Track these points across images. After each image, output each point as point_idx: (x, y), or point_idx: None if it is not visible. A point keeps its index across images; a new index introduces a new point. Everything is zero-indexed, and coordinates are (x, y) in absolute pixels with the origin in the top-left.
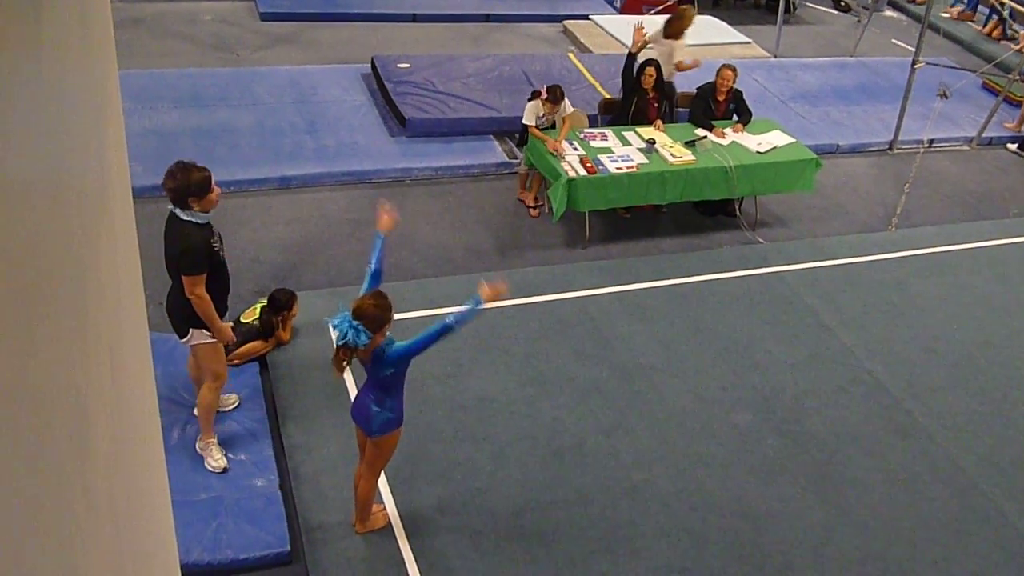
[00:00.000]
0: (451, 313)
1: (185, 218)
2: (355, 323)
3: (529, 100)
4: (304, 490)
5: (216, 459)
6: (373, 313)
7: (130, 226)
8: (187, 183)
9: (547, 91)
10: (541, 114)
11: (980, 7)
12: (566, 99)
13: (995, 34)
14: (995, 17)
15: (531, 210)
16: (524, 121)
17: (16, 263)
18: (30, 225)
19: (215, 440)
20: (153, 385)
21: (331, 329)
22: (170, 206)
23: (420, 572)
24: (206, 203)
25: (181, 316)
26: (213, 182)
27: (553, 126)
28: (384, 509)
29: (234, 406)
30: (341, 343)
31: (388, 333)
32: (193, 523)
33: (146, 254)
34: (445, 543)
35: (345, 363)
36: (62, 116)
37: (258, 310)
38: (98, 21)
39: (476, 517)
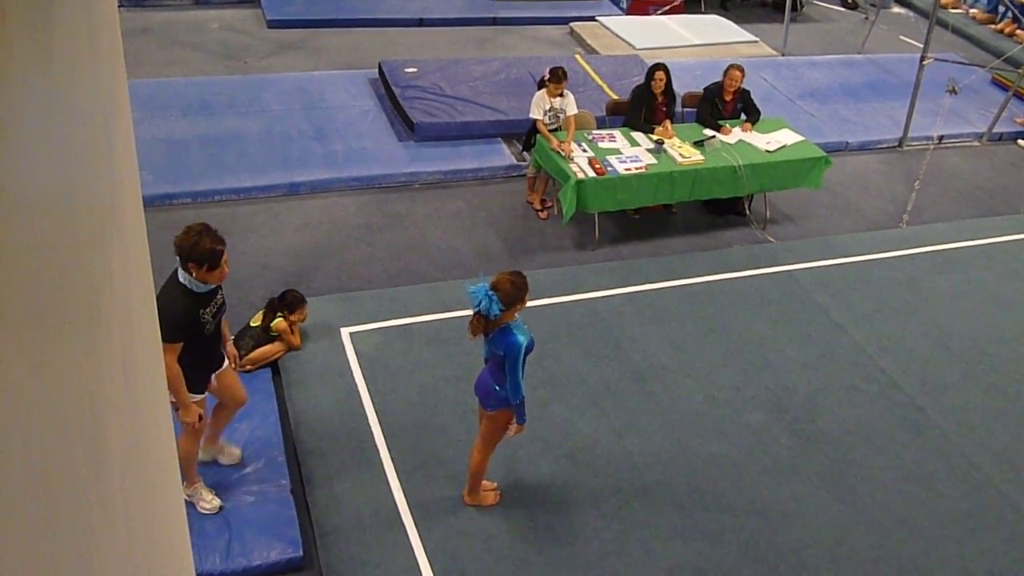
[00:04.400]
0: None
1: (181, 280)
2: (491, 293)
3: (537, 91)
4: (317, 495)
5: (208, 500)
6: (509, 288)
7: (141, 235)
8: (193, 248)
9: (549, 72)
10: (548, 106)
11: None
12: (572, 98)
13: (1007, 31)
14: (1010, 15)
15: (540, 212)
16: (531, 115)
17: (28, 272)
18: (42, 235)
19: (200, 483)
20: (166, 393)
21: (470, 295)
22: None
23: (434, 575)
24: (206, 275)
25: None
26: (224, 259)
27: (558, 129)
28: (496, 489)
29: (236, 462)
30: (476, 309)
31: (518, 318)
32: (207, 529)
33: (157, 263)
34: (458, 546)
35: (479, 330)
36: (72, 126)
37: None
38: (106, 31)
39: (489, 519)
